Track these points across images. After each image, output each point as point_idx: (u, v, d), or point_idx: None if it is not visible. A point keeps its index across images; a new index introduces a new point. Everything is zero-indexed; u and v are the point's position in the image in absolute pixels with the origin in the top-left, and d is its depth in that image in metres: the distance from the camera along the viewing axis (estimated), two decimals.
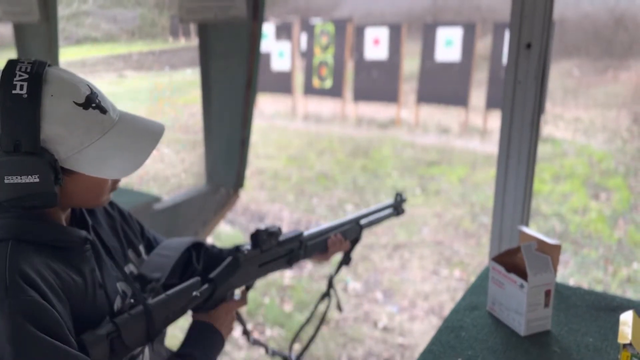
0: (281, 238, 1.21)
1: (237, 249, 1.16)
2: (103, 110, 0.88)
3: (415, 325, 3.40)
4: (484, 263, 3.94)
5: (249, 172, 2.48)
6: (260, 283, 3.99)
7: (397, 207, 1.53)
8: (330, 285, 1.46)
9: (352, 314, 3.52)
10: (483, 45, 8.78)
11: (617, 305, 1.23)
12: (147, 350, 1.06)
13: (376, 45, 8.40)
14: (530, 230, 1.23)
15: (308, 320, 1.46)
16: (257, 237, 1.16)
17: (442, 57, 7.96)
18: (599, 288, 3.77)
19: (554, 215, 4.97)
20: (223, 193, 2.38)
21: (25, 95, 0.80)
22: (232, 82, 2.29)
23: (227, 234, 4.67)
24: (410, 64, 8.81)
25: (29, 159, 0.80)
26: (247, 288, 1.21)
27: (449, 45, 7.89)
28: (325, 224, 1.37)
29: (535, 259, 1.11)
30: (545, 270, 1.11)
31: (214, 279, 1.09)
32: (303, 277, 3.99)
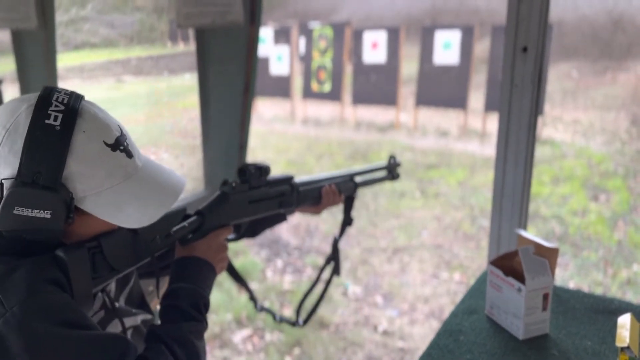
0: (272, 178, 1.17)
1: (224, 182, 1.11)
2: (129, 155, 0.84)
3: (416, 328, 3.39)
4: (484, 266, 3.94)
5: None
6: (259, 288, 3.99)
7: (392, 170, 1.51)
8: (335, 248, 1.45)
9: (352, 318, 3.52)
10: (481, 48, 8.80)
11: (616, 308, 1.23)
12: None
13: (374, 48, 8.41)
14: (528, 234, 1.23)
15: (313, 286, 1.47)
16: (245, 171, 1.12)
17: (440, 60, 7.97)
18: (598, 290, 3.76)
19: (554, 217, 4.97)
20: None
21: (58, 128, 0.76)
22: (230, 87, 2.29)
23: None
24: (409, 67, 8.82)
25: (46, 194, 0.76)
26: (237, 228, 1.16)
27: (447, 48, 7.91)
28: (317, 175, 1.33)
29: (533, 263, 1.11)
30: (543, 273, 1.11)
31: (202, 211, 1.05)
32: (303, 281, 3.98)
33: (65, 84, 3.07)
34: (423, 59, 8.13)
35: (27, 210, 0.76)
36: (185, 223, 1.01)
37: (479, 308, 1.24)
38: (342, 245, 4.88)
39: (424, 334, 3.32)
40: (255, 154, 7.07)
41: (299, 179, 1.25)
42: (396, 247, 4.57)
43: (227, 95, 2.32)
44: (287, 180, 1.21)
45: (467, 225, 4.96)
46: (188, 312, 0.94)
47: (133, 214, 0.83)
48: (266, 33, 9.11)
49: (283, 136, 8.49)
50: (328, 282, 1.47)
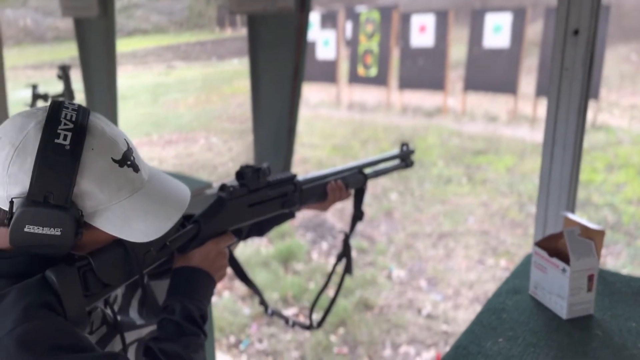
0: (272, 179, 1.13)
1: (222, 187, 1.07)
2: (136, 169, 0.84)
3: (460, 313, 3.40)
4: None
5: (293, 160, 2.55)
6: (305, 269, 4.09)
7: (405, 158, 1.46)
8: (346, 244, 1.39)
9: (396, 301, 3.56)
10: (533, 30, 8.53)
11: None
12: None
13: (422, 32, 8.30)
14: (575, 216, 1.24)
15: (326, 285, 1.40)
16: (242, 174, 1.08)
17: (490, 44, 7.80)
18: None
19: (606, 205, 4.83)
20: None
21: (68, 147, 0.76)
22: (279, 72, 2.35)
23: None
24: (457, 51, 8.67)
25: (57, 213, 0.76)
26: (238, 233, 1.12)
27: (497, 31, 7.72)
28: (323, 171, 1.29)
29: (578, 244, 1.12)
30: (588, 255, 1.12)
31: (198, 219, 1.02)
32: None
33: (119, 69, 3.22)
34: (472, 43, 7.97)
35: (38, 228, 0.76)
36: (181, 232, 0.98)
37: (522, 288, 1.27)
38: (386, 229, 4.92)
39: (467, 318, 3.33)
40: (301, 139, 7.15)
41: (303, 176, 1.23)
42: (441, 232, 4.57)
43: (276, 80, 2.39)
44: (289, 180, 1.17)
45: (515, 212, 4.89)
46: (183, 326, 0.92)
47: (141, 228, 0.83)
48: (313, 17, 9.13)
49: (329, 121, 8.53)
50: (341, 282, 1.41)
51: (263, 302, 1.32)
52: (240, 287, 3.76)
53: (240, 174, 1.08)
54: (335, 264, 1.41)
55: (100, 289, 0.84)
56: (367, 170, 1.36)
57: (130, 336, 1.02)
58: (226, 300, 3.58)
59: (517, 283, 1.29)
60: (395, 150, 1.45)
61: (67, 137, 0.76)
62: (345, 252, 1.40)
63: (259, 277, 3.81)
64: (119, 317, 0.99)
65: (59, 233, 0.77)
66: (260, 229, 1.23)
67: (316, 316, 1.43)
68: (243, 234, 1.15)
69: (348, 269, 1.41)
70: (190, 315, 0.94)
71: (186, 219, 1.04)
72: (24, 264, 0.80)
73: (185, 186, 0.94)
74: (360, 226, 4.70)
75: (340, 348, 3.08)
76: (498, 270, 3.95)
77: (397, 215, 4.93)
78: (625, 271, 3.87)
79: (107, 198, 0.80)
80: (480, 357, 1.03)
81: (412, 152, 1.46)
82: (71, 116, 0.78)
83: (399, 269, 4.00)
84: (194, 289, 0.97)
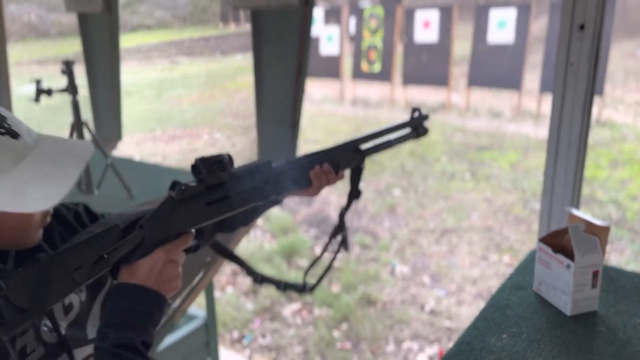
0: (236, 170, 0.96)
1: (172, 185, 0.90)
2: (14, 135, 0.75)
3: (463, 309, 3.40)
4: None
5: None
6: (308, 264, 4.06)
7: (417, 127, 1.23)
8: (341, 220, 1.28)
9: (399, 297, 3.56)
10: (538, 26, 8.49)
11: None
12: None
13: (426, 27, 8.27)
14: (579, 212, 1.23)
15: (322, 253, 1.30)
16: (196, 169, 0.92)
17: (494, 40, 7.76)
18: None
19: (611, 201, 4.81)
20: None
21: None
22: (283, 67, 2.35)
23: (276, 215, 4.77)
24: (462, 47, 8.64)
25: None
26: (200, 233, 0.99)
27: (502, 26, 7.68)
28: (310, 151, 1.13)
29: (583, 240, 1.12)
30: (593, 251, 1.12)
31: (143, 224, 0.87)
32: (351, 259, 4.05)
33: (123, 65, 3.22)
34: (476, 38, 7.94)
35: None
36: (121, 242, 0.84)
37: (526, 284, 1.26)
38: (389, 225, 4.91)
39: (471, 314, 3.33)
40: (304, 134, 7.15)
41: (281, 161, 1.06)
42: (445, 228, 4.56)
43: (280, 76, 2.39)
44: (259, 169, 1.00)
45: (519, 208, 4.88)
46: (123, 355, 0.79)
47: (38, 196, 0.75)
48: (316, 13, 9.11)
49: (332, 117, 8.52)
50: (336, 253, 1.30)
51: (250, 272, 1.19)
52: (243, 282, 3.77)
53: (195, 167, 0.91)
54: (330, 239, 1.29)
55: (18, 317, 0.72)
56: (365, 146, 1.17)
57: (82, 352, 0.90)
58: (229, 296, 3.58)
59: (521, 279, 1.29)
60: (403, 119, 1.22)
61: None
62: (340, 227, 1.28)
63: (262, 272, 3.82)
64: (63, 332, 0.86)
65: None
66: (231, 225, 1.07)
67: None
68: (206, 234, 1.00)
69: (344, 244, 1.31)
70: (130, 343, 0.80)
71: (133, 223, 0.89)
72: None
73: (86, 142, 0.84)
74: (363, 222, 4.70)
75: (343, 343, 3.08)
76: (501, 266, 3.95)
77: (400, 211, 4.93)
78: (629, 268, 3.86)
79: None
80: (484, 352, 1.03)
81: (425, 117, 1.23)
82: None
83: (402, 265, 4.00)
84: (136, 312, 0.83)
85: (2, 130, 0.74)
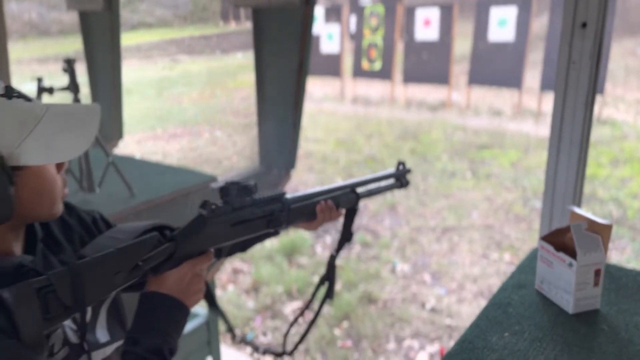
0: (259, 197, 1.06)
1: (203, 204, 0.98)
2: (28, 98, 0.81)
3: (464, 307, 3.41)
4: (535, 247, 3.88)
5: (297, 155, 2.55)
6: (309, 263, 4.10)
7: (400, 178, 1.36)
8: (330, 267, 1.32)
9: (400, 295, 3.56)
10: (539, 24, 8.48)
11: None
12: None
13: (427, 26, 8.27)
14: (581, 211, 1.23)
15: (306, 307, 1.35)
16: (226, 192, 1.00)
17: (495, 38, 7.76)
18: None
19: (611, 200, 4.81)
20: (275, 174, 2.46)
21: None
22: (284, 66, 2.35)
23: None
24: (462, 45, 8.64)
25: None
26: (219, 252, 1.05)
27: (502, 25, 7.68)
28: (314, 189, 1.23)
29: (585, 238, 1.12)
30: (595, 249, 1.12)
31: (175, 237, 0.93)
32: (351, 257, 4.05)
33: (124, 63, 3.22)
34: (477, 36, 7.94)
35: None
36: (155, 251, 0.89)
37: (528, 283, 1.26)
38: (390, 223, 4.92)
39: (472, 312, 3.33)
40: (305, 133, 7.15)
41: (292, 194, 1.16)
42: (445, 226, 4.56)
43: (281, 74, 2.39)
44: (278, 198, 1.10)
45: (519, 206, 4.88)
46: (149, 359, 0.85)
47: (68, 145, 0.81)
48: (317, 11, 9.10)
49: (333, 115, 8.52)
50: (320, 307, 1.32)
51: (231, 329, 1.24)
52: (244, 280, 3.77)
53: (225, 190, 1.00)
54: (317, 287, 1.33)
55: (61, 312, 0.76)
56: (360, 190, 1.28)
57: (95, 357, 0.94)
58: (230, 294, 3.59)
59: (522, 277, 1.29)
60: (391, 169, 1.35)
61: None
62: (328, 275, 1.32)
63: (263, 270, 3.82)
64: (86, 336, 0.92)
65: None
66: (243, 246, 1.17)
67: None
68: (224, 253, 1.07)
69: (329, 294, 1.33)
70: (158, 348, 0.86)
71: (163, 235, 0.95)
72: None
73: (91, 103, 0.90)
74: (364, 220, 4.70)
75: (344, 341, 3.08)
76: (502, 264, 3.95)
77: (401, 209, 4.93)
78: (630, 266, 3.86)
79: (15, 134, 0.77)
80: (486, 351, 1.03)
81: (408, 171, 1.36)
82: None
83: (403, 263, 4.00)
84: (163, 320, 0.89)
85: (16, 94, 0.79)
